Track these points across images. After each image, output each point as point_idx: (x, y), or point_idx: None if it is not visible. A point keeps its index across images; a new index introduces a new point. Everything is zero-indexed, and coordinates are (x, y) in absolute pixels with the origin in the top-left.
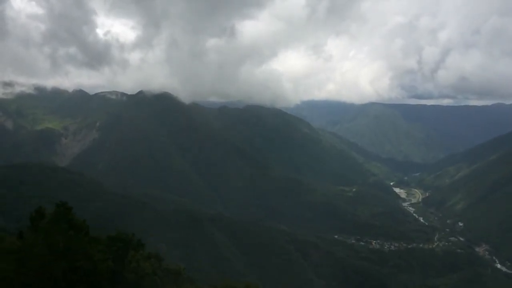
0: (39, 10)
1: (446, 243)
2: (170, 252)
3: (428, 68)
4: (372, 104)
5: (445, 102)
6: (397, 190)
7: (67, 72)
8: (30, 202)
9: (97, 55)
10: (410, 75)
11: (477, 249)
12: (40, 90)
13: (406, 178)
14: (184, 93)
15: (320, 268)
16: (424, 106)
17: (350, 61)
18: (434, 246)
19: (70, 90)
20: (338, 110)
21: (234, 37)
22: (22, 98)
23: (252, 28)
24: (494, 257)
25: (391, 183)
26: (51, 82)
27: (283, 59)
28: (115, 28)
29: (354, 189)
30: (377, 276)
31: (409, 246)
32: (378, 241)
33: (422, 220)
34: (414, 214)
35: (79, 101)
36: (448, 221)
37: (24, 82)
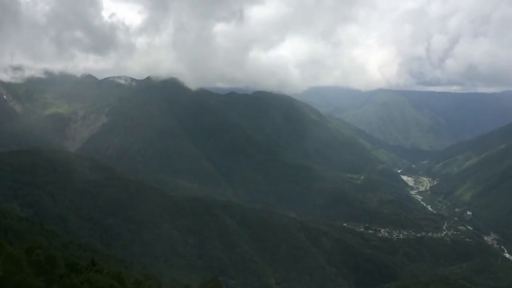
0: None
1: (455, 232)
2: (183, 238)
3: (437, 56)
4: (380, 91)
5: (454, 89)
6: (405, 178)
7: (74, 56)
8: (45, 187)
9: (103, 39)
10: (418, 61)
11: (485, 238)
12: (49, 74)
13: (414, 166)
14: (191, 78)
15: (331, 256)
16: (433, 93)
17: (358, 47)
18: (443, 234)
19: (79, 75)
20: (345, 97)
21: (242, 21)
22: (31, 82)
23: (260, 12)
24: (502, 247)
25: (399, 171)
26: (59, 66)
27: (290, 44)
28: (121, 11)
29: (362, 177)
30: (389, 264)
31: (418, 235)
32: (387, 229)
33: (430, 209)
34: (422, 202)
35: (88, 85)
36: (456, 210)
37: (34, 66)
